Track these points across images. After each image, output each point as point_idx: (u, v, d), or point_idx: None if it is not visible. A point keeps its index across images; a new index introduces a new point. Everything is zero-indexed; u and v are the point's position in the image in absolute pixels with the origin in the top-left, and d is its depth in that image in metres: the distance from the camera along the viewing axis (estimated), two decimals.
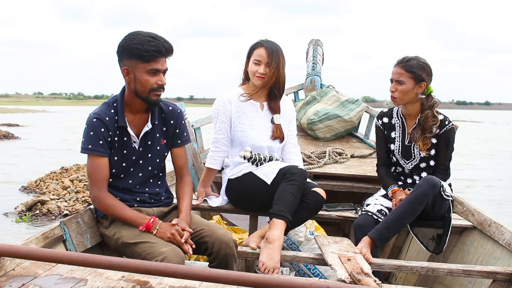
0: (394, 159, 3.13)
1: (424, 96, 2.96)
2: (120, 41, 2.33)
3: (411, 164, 3.04)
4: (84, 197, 8.06)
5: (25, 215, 7.19)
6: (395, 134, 3.10)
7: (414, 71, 2.90)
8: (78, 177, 9.28)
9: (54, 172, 10.02)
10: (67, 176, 9.58)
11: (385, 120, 3.15)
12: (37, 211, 7.37)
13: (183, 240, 2.30)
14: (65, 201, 7.90)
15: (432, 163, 3.01)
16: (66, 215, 7.18)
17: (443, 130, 2.94)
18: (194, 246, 2.36)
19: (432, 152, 2.98)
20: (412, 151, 3.03)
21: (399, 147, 3.08)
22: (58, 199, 7.98)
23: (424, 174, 3.01)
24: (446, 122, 2.96)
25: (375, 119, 3.26)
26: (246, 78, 3.10)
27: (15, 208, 7.56)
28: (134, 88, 2.35)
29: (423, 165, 3.02)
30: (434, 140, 2.97)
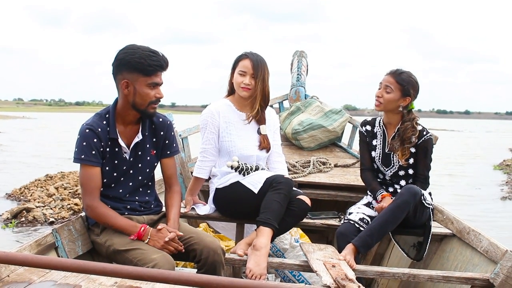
0: (375, 166, 3.22)
1: (405, 111, 3.07)
2: (118, 54, 2.37)
3: (390, 171, 3.14)
4: (69, 204, 7.99)
5: (10, 222, 7.13)
6: (376, 141, 3.20)
7: (404, 84, 3.01)
8: (63, 184, 9.20)
9: (39, 180, 9.92)
10: (52, 183, 9.49)
11: (368, 128, 3.24)
12: (23, 219, 7.30)
13: (166, 239, 2.35)
14: (51, 208, 7.82)
15: (410, 171, 3.11)
16: (52, 222, 7.14)
17: (421, 140, 3.05)
18: (183, 250, 2.41)
19: (411, 161, 3.08)
20: (392, 159, 3.13)
21: (379, 154, 3.18)
22: (43, 206, 7.89)
23: (403, 182, 3.11)
24: (425, 133, 3.06)
25: (359, 125, 3.35)
26: (232, 90, 3.17)
27: (0, 215, 7.50)
28: (132, 101, 2.40)
29: (401, 173, 3.12)
30: (413, 150, 3.07)
